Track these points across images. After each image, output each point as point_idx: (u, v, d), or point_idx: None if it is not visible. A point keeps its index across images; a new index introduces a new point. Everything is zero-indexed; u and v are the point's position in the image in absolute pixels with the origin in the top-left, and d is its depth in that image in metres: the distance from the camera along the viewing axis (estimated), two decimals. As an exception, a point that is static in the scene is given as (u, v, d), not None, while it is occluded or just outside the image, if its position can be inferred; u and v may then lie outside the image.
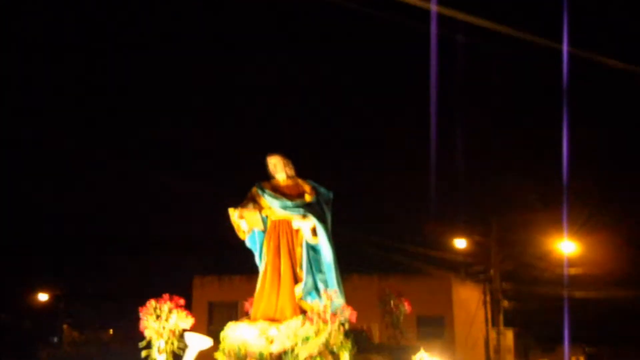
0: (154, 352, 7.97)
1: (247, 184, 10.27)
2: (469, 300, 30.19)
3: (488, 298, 29.82)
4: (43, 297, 40.99)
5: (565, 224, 26.17)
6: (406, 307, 11.09)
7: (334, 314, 8.75)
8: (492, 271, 28.79)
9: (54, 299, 41.01)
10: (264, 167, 10.24)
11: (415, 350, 10.42)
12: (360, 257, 29.14)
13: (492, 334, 29.65)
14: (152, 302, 8.13)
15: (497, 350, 29.56)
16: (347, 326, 8.90)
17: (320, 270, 9.63)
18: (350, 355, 8.67)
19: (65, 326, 39.31)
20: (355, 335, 9.19)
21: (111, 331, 40.94)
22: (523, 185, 29.93)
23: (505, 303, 29.68)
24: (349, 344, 8.69)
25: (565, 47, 10.45)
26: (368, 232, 27.31)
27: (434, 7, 9.03)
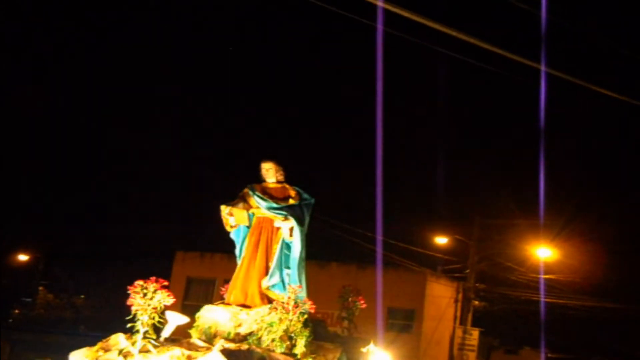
0: (139, 325, 8.82)
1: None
2: (441, 296, 30.79)
3: (460, 296, 30.55)
4: (23, 257, 41.26)
5: (541, 230, 26.85)
6: (361, 304, 11.82)
7: (296, 305, 9.82)
8: (468, 270, 29.51)
9: (33, 260, 41.30)
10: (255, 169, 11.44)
11: (366, 342, 11.18)
12: (340, 247, 29.72)
13: (459, 332, 30.35)
14: (139, 282, 8.93)
15: (461, 348, 30.29)
16: (306, 317, 9.91)
17: (288, 267, 10.75)
18: (306, 341, 9.70)
19: (40, 288, 39.42)
20: (314, 324, 10.25)
21: (83, 297, 41.10)
22: (503, 191, 30.73)
23: (476, 303, 30.43)
24: (306, 332, 9.73)
25: (543, 68, 11.15)
26: (351, 224, 27.80)
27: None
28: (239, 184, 11.29)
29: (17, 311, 38.67)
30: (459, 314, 30.69)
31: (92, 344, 9.38)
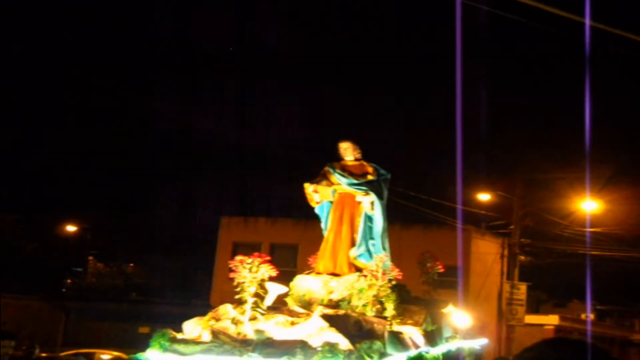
0: (246, 296, 9.71)
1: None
2: (486, 253, 30.75)
3: (506, 252, 30.50)
4: (71, 228, 42.13)
5: (587, 183, 26.57)
6: (440, 268, 13.02)
7: (384, 273, 10.74)
8: (512, 226, 29.41)
9: (81, 231, 42.11)
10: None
11: (445, 304, 12.46)
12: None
13: (506, 287, 30.32)
14: (240, 257, 9.88)
15: (510, 303, 30.27)
16: (393, 282, 10.80)
17: (372, 237, 11.67)
18: (394, 304, 10.54)
19: (90, 258, 40.12)
20: (399, 289, 11.07)
21: (132, 265, 41.83)
22: (547, 145, 30.51)
23: (522, 258, 30.34)
24: (393, 296, 10.62)
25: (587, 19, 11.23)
26: (393, 182, 27.77)
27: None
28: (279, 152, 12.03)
29: (69, 281, 39.47)
30: (505, 269, 30.64)
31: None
